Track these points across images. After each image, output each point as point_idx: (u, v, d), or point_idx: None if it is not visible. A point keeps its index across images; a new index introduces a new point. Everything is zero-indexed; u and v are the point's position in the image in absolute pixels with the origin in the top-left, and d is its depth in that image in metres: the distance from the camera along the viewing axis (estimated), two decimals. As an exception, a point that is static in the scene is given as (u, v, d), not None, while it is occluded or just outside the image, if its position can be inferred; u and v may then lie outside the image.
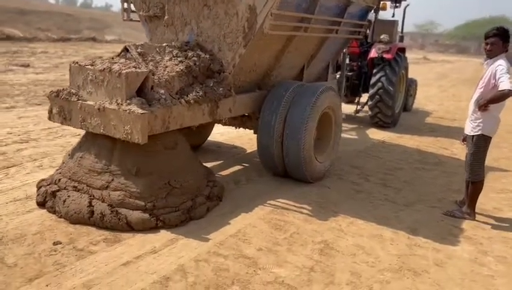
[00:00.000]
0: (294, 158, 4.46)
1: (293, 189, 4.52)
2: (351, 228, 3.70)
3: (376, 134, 7.59)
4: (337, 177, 5.06)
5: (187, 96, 3.83)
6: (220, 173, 4.92)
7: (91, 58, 4.03)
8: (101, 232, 3.26)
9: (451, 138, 7.59)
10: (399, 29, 9.04)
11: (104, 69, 3.46)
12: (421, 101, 11.86)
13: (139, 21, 4.97)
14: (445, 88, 16.41)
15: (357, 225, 3.77)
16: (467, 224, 3.96)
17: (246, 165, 5.26)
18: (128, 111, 3.31)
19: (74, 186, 3.51)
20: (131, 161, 3.51)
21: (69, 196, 3.43)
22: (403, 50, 8.29)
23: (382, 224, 3.80)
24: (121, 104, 3.39)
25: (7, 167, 4.51)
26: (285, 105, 4.51)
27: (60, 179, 3.62)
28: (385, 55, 7.69)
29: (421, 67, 25.33)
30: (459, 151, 6.63)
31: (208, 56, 4.22)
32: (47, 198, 3.54)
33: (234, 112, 4.48)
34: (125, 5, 4.85)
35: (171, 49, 4.13)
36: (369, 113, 8.05)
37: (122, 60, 3.71)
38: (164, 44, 4.22)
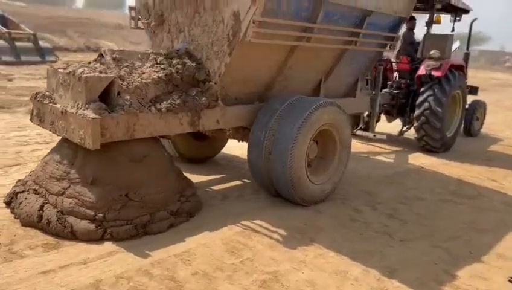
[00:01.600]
0: (281, 178, 4.10)
1: (280, 210, 4.16)
2: (317, 260, 3.25)
3: (418, 159, 6.84)
4: (340, 201, 4.57)
5: (160, 104, 3.70)
6: (213, 187, 4.70)
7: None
8: (45, 237, 3.22)
9: (510, 169, 6.59)
10: (456, 45, 8.16)
11: (70, 72, 3.46)
12: (494, 126, 10.59)
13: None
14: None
15: (327, 257, 3.31)
16: (467, 271, 3.30)
17: (248, 181, 4.98)
18: (82, 115, 3.25)
19: (35, 189, 3.53)
20: (90, 169, 3.43)
21: (26, 198, 3.45)
22: (459, 68, 7.43)
23: (358, 260, 3.30)
24: (79, 108, 3.35)
25: (9, 166, 4.74)
26: (277, 120, 4.19)
27: (27, 181, 3.67)
28: (434, 73, 6.94)
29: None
30: (511, 185, 5.71)
31: (194, 64, 4.06)
32: (12, 198, 3.60)
33: (224, 124, 4.26)
34: (133, 13, 4.90)
35: (155, 56, 4.04)
36: (415, 135, 7.30)
37: (95, 65, 3.70)
38: (149, 51, 4.15)
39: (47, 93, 3.73)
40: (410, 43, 7.83)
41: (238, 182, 4.93)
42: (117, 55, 3.80)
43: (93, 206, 3.30)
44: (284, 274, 3.01)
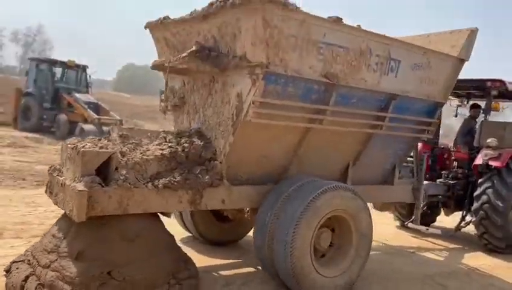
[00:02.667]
0: (283, 266, 3.78)
1: (281, 304, 3.79)
2: None
3: (476, 259, 5.98)
4: (358, 299, 4.06)
5: (159, 180, 3.73)
6: (221, 271, 4.47)
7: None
8: (23, 308, 3.21)
9: None
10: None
11: (74, 146, 3.66)
12: None
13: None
14: None
15: None
16: None
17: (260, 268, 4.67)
18: (72, 187, 3.36)
19: (28, 260, 3.60)
20: (79, 244, 3.43)
21: (17, 268, 3.53)
22: (525, 157, 6.65)
23: None
24: (75, 181, 3.48)
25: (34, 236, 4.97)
26: (283, 202, 3.97)
27: (26, 252, 3.78)
28: (492, 163, 6.28)
29: None
30: None
31: (202, 143, 4.10)
32: (10, 268, 3.70)
33: (230, 204, 4.14)
34: (163, 96, 5.19)
35: (165, 135, 4.16)
36: (475, 232, 6.48)
37: (102, 141, 3.88)
38: (161, 130, 4.30)
39: (58, 167, 3.96)
40: (468, 131, 7.29)
41: (250, 269, 4.65)
42: (124, 132, 3.97)
43: (72, 281, 3.25)
44: None
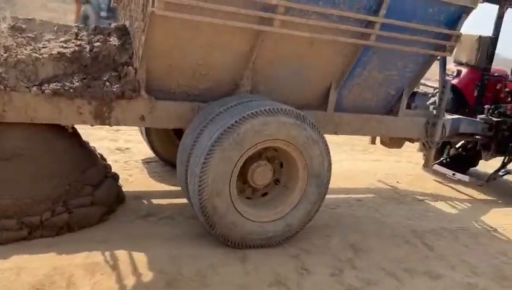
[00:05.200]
0: (194, 203, 3.04)
1: (187, 245, 3.09)
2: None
3: (503, 217, 4.75)
4: (303, 251, 3.24)
5: (49, 84, 3.04)
6: (157, 199, 3.85)
7: None
8: None
9: None
10: None
11: None
12: None
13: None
14: None
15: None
16: None
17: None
18: None
19: None
20: None
21: None
22: None
23: None
24: None
25: None
26: (206, 126, 3.11)
27: None
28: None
29: None
30: None
31: (118, 43, 3.30)
32: None
33: (152, 122, 3.37)
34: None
35: (78, 31, 3.39)
36: (513, 183, 5.16)
37: (-8, 33, 3.22)
38: (73, 24, 3.52)
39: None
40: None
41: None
42: (20, 24, 3.26)
43: None
44: None
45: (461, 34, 3.88)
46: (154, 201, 3.79)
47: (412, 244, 3.70)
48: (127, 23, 3.56)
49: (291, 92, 3.79)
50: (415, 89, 4.57)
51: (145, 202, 3.75)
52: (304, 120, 3.12)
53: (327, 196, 3.46)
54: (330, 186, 4.58)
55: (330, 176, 3.35)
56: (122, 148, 5.06)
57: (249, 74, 3.52)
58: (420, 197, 4.99)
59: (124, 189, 3.73)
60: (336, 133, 4.12)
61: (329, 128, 4.03)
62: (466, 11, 3.76)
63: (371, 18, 3.45)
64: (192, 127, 3.21)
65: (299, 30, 3.30)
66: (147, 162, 4.70)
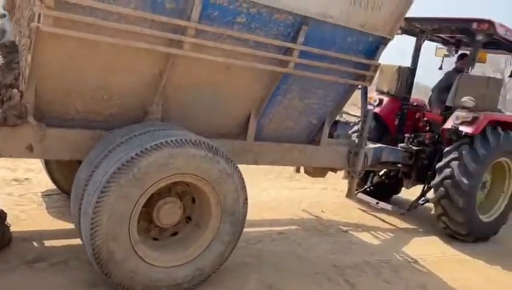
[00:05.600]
0: (87, 247, 2.62)
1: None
2: None
3: (424, 247, 4.74)
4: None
5: None
6: (51, 241, 3.35)
7: None
8: None
9: None
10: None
11: None
12: None
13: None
14: None
15: None
16: None
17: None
18: None
19: None
20: None
21: None
22: (510, 125, 5.23)
23: None
24: None
25: None
26: (104, 158, 2.73)
27: None
28: (464, 128, 4.88)
29: None
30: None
31: (2, 63, 2.85)
32: None
33: (43, 153, 2.93)
34: None
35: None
36: (432, 212, 5.21)
37: None
38: None
39: None
40: (447, 87, 5.74)
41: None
42: None
43: None
44: None
45: (379, 64, 3.85)
46: (47, 243, 3.30)
47: (334, 282, 3.52)
48: (17, 39, 3.12)
49: (207, 120, 3.53)
50: (337, 118, 4.49)
51: (35, 244, 3.25)
52: (216, 152, 2.84)
53: (249, 230, 3.22)
54: (253, 218, 4.38)
55: (246, 212, 3.08)
56: (20, 179, 4.48)
57: (159, 99, 3.21)
58: (344, 228, 4.87)
59: (12, 229, 3.22)
60: (256, 163, 3.90)
61: (249, 158, 3.81)
62: (383, 41, 3.73)
63: (289, 45, 3.29)
64: (89, 159, 2.82)
65: (212, 54, 3.06)
66: (47, 195, 4.17)
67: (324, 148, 4.24)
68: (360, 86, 4.29)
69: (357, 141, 4.53)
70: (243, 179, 3.02)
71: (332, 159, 4.39)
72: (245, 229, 3.17)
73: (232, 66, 3.23)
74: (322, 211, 5.32)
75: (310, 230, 4.57)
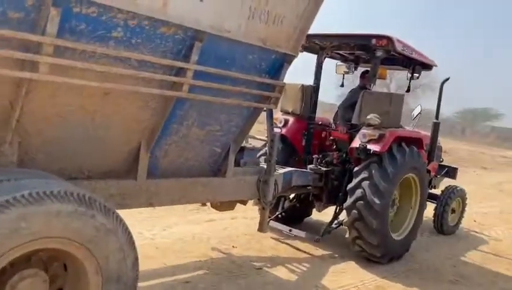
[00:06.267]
0: None
1: None
2: None
3: (339, 275, 4.45)
4: None
5: None
6: None
7: None
8: None
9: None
10: (417, 110, 6.07)
11: None
12: (485, 218, 8.22)
13: None
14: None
15: None
16: None
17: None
18: None
19: None
20: None
21: None
22: (415, 141, 5.22)
23: None
24: None
25: None
26: None
27: None
28: (371, 147, 4.74)
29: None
30: None
31: None
32: None
33: None
34: None
35: None
36: (347, 236, 4.96)
37: None
38: None
39: None
40: (352, 105, 5.64)
41: None
42: None
43: None
44: None
45: (285, 84, 3.48)
46: None
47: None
48: None
49: (85, 159, 2.85)
50: (243, 144, 4.05)
51: None
52: (90, 204, 2.18)
53: (148, 284, 2.55)
54: (154, 267, 3.73)
55: (137, 275, 2.44)
56: None
57: (14, 137, 2.47)
58: (258, 264, 4.40)
59: None
60: (151, 205, 3.29)
61: (142, 200, 3.19)
62: (287, 59, 3.37)
63: (180, 64, 2.77)
64: None
65: (82, 78, 2.41)
66: None
67: (231, 179, 3.76)
68: (265, 109, 3.91)
69: (266, 168, 4.11)
70: (129, 232, 2.39)
71: (241, 191, 3.92)
72: (143, 284, 2.55)
73: (111, 91, 2.62)
74: (233, 247, 4.81)
75: (220, 274, 4.01)
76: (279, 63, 3.36)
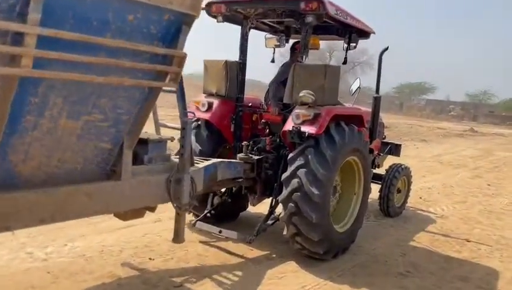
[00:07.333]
0: None
1: None
2: None
3: (283, 281, 3.78)
4: None
5: None
6: None
7: None
8: None
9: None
10: (356, 85, 5.50)
11: None
12: (430, 193, 7.94)
13: None
14: (480, 172, 11.98)
15: None
16: None
17: None
18: None
19: None
20: None
21: None
22: (354, 119, 4.61)
23: None
24: None
25: None
26: None
27: None
28: (306, 129, 4.06)
29: (462, 142, 20.84)
30: None
31: None
32: None
33: None
34: None
35: None
36: (284, 233, 4.29)
37: None
38: None
39: None
40: (284, 81, 4.89)
41: None
42: None
43: None
44: None
45: (186, 54, 2.66)
46: None
47: None
48: None
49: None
50: (147, 136, 3.22)
51: None
52: None
53: None
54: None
55: None
56: None
57: None
58: (178, 280, 3.63)
59: None
60: (8, 229, 2.40)
61: (-8, 223, 2.29)
62: (185, 21, 2.56)
63: (13, 26, 1.88)
64: None
65: None
66: None
67: (128, 182, 2.93)
68: (171, 89, 3.09)
69: (178, 164, 3.31)
70: None
71: (144, 195, 3.10)
72: None
73: None
74: (150, 259, 4.00)
75: (126, 300, 3.21)
76: (175, 27, 2.54)
